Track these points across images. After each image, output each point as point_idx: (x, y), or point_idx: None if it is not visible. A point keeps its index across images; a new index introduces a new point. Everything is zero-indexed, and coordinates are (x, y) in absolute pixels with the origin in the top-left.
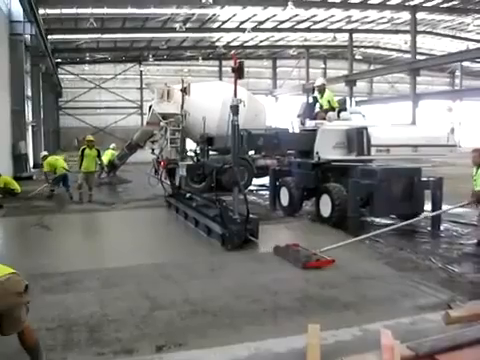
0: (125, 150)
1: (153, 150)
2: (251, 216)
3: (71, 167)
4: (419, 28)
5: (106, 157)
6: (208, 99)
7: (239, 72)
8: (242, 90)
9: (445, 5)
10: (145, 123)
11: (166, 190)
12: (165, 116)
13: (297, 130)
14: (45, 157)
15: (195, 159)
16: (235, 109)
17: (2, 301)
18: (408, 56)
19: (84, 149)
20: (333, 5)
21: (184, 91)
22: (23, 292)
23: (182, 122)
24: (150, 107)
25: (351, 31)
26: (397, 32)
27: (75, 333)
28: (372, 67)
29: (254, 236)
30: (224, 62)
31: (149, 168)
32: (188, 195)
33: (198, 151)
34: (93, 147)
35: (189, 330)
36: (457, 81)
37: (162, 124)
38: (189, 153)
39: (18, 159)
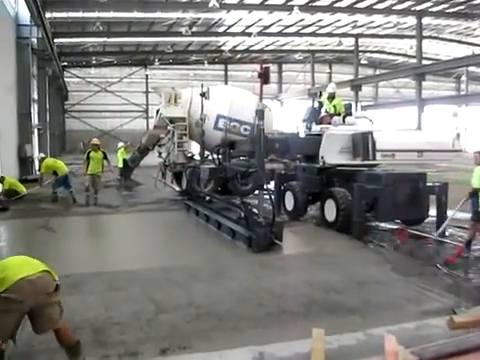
0: (136, 153)
1: (160, 154)
2: (276, 219)
3: (77, 170)
4: (425, 33)
5: (120, 156)
6: (217, 103)
7: (265, 77)
8: (249, 94)
9: (451, 10)
10: (152, 127)
11: (185, 193)
12: (172, 120)
13: (302, 135)
14: (42, 159)
15: (217, 162)
16: (261, 114)
17: (31, 299)
18: (414, 61)
19: (89, 152)
20: (339, 10)
21: (203, 95)
22: (53, 292)
23: (201, 126)
24: (158, 111)
25: (357, 36)
26: (403, 37)
27: (80, 335)
28: (377, 72)
29: (278, 239)
30: (230, 66)
31: (155, 172)
32: (208, 198)
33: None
34: (98, 150)
35: (193, 333)
36: (463, 86)
37: (169, 128)
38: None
39: (24, 162)
